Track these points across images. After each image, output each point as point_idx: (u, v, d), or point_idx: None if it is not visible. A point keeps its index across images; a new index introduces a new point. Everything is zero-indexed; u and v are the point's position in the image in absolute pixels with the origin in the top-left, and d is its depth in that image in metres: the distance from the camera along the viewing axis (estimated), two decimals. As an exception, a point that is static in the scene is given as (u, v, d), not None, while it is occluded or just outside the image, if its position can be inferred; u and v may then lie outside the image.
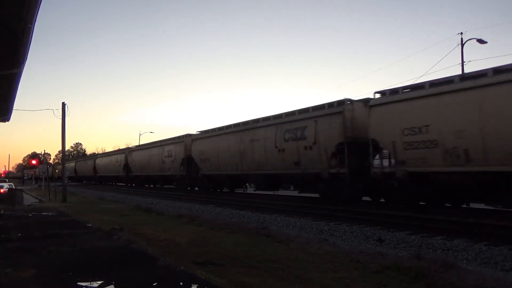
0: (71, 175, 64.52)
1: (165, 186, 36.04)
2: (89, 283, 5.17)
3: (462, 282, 5.15)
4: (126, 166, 41.92)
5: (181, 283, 5.25)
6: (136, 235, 9.06)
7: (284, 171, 18.95)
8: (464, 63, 24.49)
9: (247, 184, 27.52)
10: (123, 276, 5.59)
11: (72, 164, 69.23)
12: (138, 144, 54.21)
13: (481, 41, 23.76)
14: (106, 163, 49.60)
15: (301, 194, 19.12)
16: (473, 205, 13.33)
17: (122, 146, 73.67)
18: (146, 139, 77.89)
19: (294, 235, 9.47)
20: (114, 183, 49.38)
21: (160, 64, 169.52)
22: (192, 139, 28.24)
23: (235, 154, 22.35)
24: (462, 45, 24.52)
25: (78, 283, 5.13)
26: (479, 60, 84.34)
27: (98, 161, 54.16)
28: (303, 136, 17.44)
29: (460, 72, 21.34)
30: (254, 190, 22.50)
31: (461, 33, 24.74)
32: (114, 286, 5.05)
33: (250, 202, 17.96)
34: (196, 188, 29.45)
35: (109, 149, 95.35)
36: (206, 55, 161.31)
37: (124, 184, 44.74)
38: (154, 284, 5.14)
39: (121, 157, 43.99)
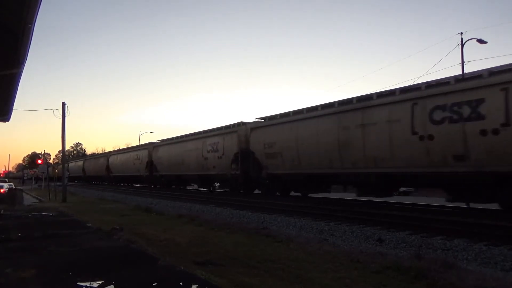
0: (79, 175, 60.68)
1: (202, 188, 30.12)
2: (89, 283, 5.17)
3: (462, 282, 5.16)
4: (150, 164, 35.22)
5: (181, 283, 5.25)
6: (136, 235, 9.06)
7: (427, 169, 12.77)
8: (464, 63, 24.52)
9: None
10: (123, 276, 5.59)
11: (80, 163, 63.54)
12: (138, 143, 52.78)
13: (481, 41, 23.79)
14: (123, 161, 42.73)
15: (447, 204, 13.81)
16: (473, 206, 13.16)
17: (122, 146, 70.00)
18: (146, 139, 77.27)
19: (294, 235, 9.47)
20: (131, 184, 43.74)
21: (160, 64, 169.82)
22: (250, 127, 21.72)
23: (330, 145, 15.94)
24: (462, 45, 24.55)
25: (78, 283, 5.12)
26: (479, 60, 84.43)
27: (113, 159, 47.18)
28: (477, 114, 11.40)
29: (460, 72, 21.34)
30: (358, 196, 16.31)
31: (461, 33, 24.80)
32: (114, 286, 5.05)
33: (250, 202, 17.94)
34: (257, 191, 22.78)
35: (109, 149, 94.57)
36: (206, 55, 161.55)
37: (146, 185, 38.23)
38: (154, 284, 5.14)
39: (143, 154, 37.37)
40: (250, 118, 27.43)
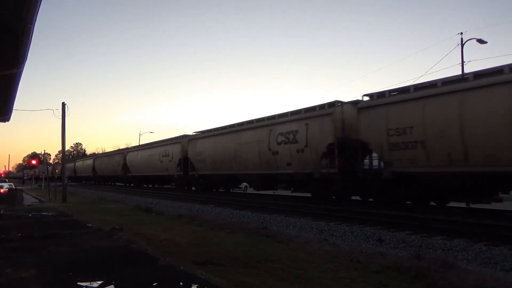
0: (88, 175, 56.67)
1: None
2: (89, 283, 5.17)
3: (462, 282, 5.15)
4: (184, 162, 28.63)
5: (181, 283, 5.25)
6: (136, 235, 9.06)
7: None
8: (464, 63, 24.48)
9: None
10: (123, 276, 5.59)
11: (89, 161, 57.62)
12: (138, 143, 50.59)
13: (481, 41, 23.76)
14: (146, 158, 36.32)
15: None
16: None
17: (122, 146, 67.17)
18: (146, 139, 76.47)
19: (294, 235, 9.47)
20: (151, 186, 38.66)
21: (160, 64, 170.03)
22: (358, 107, 15.31)
23: None
24: (462, 45, 24.52)
25: (78, 283, 5.12)
26: (479, 60, 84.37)
27: (132, 156, 40.58)
28: None
29: (460, 72, 21.35)
30: None
31: (461, 33, 24.73)
32: (114, 286, 5.05)
33: (250, 202, 17.95)
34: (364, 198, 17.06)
35: (109, 149, 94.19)
36: (206, 55, 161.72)
37: (175, 187, 31.70)
38: (154, 284, 5.13)
39: (174, 149, 30.46)
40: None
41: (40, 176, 36.58)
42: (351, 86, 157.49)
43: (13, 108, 14.06)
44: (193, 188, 29.06)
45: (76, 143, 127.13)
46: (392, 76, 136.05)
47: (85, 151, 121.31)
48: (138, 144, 47.86)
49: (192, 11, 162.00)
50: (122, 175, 42.80)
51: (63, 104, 23.59)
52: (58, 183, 26.05)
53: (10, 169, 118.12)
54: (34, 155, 78.32)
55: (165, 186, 35.43)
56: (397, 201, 13.91)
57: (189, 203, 19.46)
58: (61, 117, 23.41)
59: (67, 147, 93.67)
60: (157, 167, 33.27)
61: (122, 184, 43.95)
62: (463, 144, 11.76)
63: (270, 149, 19.37)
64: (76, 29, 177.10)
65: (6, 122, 15.95)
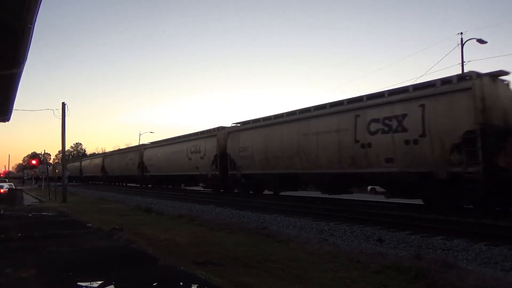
0: (96, 175, 53.41)
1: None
2: (89, 283, 5.17)
3: (462, 282, 5.16)
4: (221, 159, 23.65)
5: (181, 283, 5.25)
6: (136, 235, 9.06)
7: None
8: (464, 63, 24.51)
9: None
10: (123, 276, 5.59)
11: (98, 160, 53.13)
12: (138, 143, 49.27)
13: (481, 41, 23.79)
14: (168, 155, 30.76)
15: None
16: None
17: (122, 146, 65.53)
18: (146, 139, 75.94)
19: (294, 235, 9.48)
20: (169, 187, 33.15)
21: (160, 64, 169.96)
22: None
23: None
24: (462, 45, 24.56)
25: (78, 283, 5.12)
26: (479, 60, 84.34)
27: (150, 153, 35.05)
28: None
29: (460, 72, 21.34)
30: None
31: (461, 33, 24.79)
32: (114, 286, 5.05)
33: (250, 202, 17.94)
34: None
35: (109, 149, 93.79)
36: (206, 55, 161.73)
37: (210, 189, 27.30)
38: (154, 284, 5.14)
39: (206, 145, 25.54)
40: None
41: (40, 176, 36.54)
42: (351, 86, 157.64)
43: (13, 108, 14.09)
44: (235, 191, 23.93)
45: (76, 143, 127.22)
46: (392, 76, 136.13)
47: (85, 151, 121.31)
48: (156, 140, 38.71)
49: (192, 11, 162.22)
50: (138, 175, 37.64)
51: (63, 104, 23.64)
52: (58, 183, 26.05)
53: (10, 169, 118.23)
54: (34, 155, 78.24)
55: (193, 188, 31.12)
56: None
57: (189, 203, 19.48)
58: (61, 117, 23.46)
59: (67, 147, 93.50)
60: (184, 165, 28.06)
61: (138, 185, 39.20)
62: None
63: (357, 141, 14.62)
64: (76, 29, 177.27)
65: (6, 122, 15.98)
